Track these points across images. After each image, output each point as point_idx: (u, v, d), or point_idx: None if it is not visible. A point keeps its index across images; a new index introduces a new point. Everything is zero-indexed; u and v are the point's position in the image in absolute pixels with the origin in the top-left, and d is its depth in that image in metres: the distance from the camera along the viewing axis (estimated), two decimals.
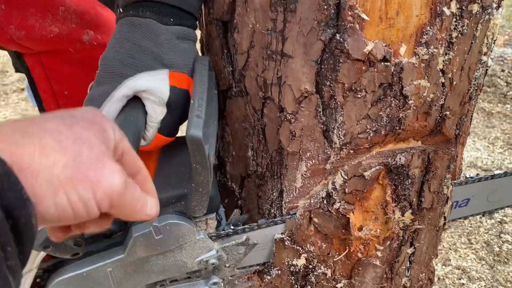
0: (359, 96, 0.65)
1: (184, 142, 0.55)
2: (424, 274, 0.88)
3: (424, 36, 0.63)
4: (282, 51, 0.66)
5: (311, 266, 0.79)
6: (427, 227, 0.81)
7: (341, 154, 0.70)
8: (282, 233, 0.76)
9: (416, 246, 0.82)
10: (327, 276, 0.80)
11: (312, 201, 0.74)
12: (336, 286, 0.81)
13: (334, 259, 0.78)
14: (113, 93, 0.62)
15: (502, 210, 1.83)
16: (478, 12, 0.64)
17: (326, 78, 0.64)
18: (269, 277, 0.81)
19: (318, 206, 0.73)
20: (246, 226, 0.71)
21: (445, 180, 0.77)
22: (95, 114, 0.44)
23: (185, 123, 0.61)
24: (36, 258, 0.59)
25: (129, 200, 0.42)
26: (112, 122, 0.44)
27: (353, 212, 0.73)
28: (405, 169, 0.72)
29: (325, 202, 0.73)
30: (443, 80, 0.67)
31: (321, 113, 0.67)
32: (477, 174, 0.85)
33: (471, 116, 0.80)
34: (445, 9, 0.62)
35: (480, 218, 1.81)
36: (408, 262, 0.84)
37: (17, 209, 0.32)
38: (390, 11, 0.61)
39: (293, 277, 0.80)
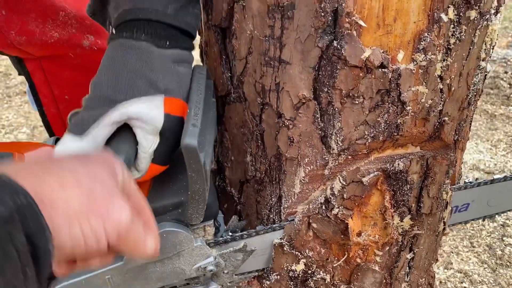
0: (357, 102, 0.65)
1: (181, 150, 0.55)
2: (424, 279, 0.88)
3: (422, 43, 0.63)
4: (280, 57, 0.66)
5: (310, 272, 0.79)
6: (426, 232, 0.81)
7: (339, 160, 0.70)
8: (281, 239, 0.76)
9: (415, 251, 0.82)
10: (326, 282, 0.80)
11: (310, 206, 0.74)
12: None
13: (333, 265, 0.78)
14: (102, 118, 0.57)
15: (505, 214, 1.83)
16: (476, 18, 0.64)
17: (323, 84, 0.65)
18: (268, 282, 0.81)
19: (317, 212, 0.74)
20: (244, 232, 0.72)
21: (444, 186, 0.77)
22: (108, 156, 0.48)
23: None
24: None
25: (134, 236, 0.45)
26: (121, 165, 0.48)
27: (351, 218, 0.73)
28: (404, 174, 0.72)
29: (323, 207, 0.73)
30: (441, 86, 0.67)
31: (319, 119, 0.67)
32: (476, 179, 0.84)
33: (470, 121, 0.80)
34: (442, 15, 0.62)
35: (482, 221, 1.80)
36: (408, 267, 0.84)
37: (37, 237, 0.35)
38: (387, 17, 0.61)
39: (292, 282, 0.80)
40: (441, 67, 0.65)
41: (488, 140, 2.41)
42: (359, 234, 0.75)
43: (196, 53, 0.76)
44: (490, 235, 1.73)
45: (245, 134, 0.78)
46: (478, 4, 0.63)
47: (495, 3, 0.66)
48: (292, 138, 0.69)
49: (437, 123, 0.71)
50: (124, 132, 0.60)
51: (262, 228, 0.73)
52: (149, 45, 0.60)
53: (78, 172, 0.42)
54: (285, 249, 0.76)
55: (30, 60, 1.03)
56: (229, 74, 0.76)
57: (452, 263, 1.59)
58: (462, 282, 1.52)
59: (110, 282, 0.64)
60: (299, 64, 0.65)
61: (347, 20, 0.60)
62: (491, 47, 0.72)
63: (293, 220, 0.74)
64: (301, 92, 0.66)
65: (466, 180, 0.84)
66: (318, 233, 0.75)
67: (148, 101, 0.59)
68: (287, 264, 0.78)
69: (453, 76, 0.67)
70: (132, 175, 0.50)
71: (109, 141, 0.59)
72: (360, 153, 0.70)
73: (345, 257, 0.78)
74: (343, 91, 0.64)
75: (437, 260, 0.93)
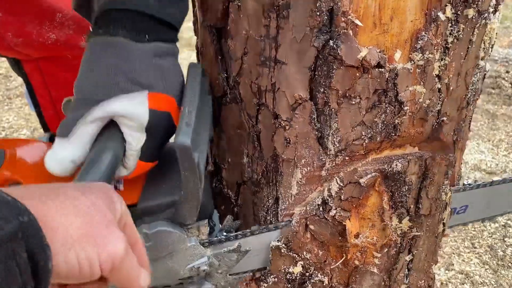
0: (354, 102, 0.64)
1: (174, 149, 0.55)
2: (423, 281, 0.87)
3: (419, 42, 0.62)
4: (276, 57, 0.65)
5: (307, 274, 0.78)
6: (425, 234, 0.80)
7: (337, 161, 0.69)
8: (278, 241, 0.75)
9: (414, 253, 0.81)
10: (324, 284, 0.79)
11: (308, 208, 0.73)
12: None
13: (331, 267, 0.78)
14: (84, 116, 0.57)
15: (507, 214, 1.81)
16: (474, 17, 0.63)
17: (320, 84, 0.64)
18: (265, 285, 0.80)
19: (314, 213, 0.73)
20: (238, 232, 0.71)
21: (443, 187, 0.76)
22: (107, 187, 0.49)
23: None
24: None
25: (127, 268, 0.46)
26: (119, 197, 0.49)
27: (349, 219, 0.73)
28: (402, 175, 0.71)
29: (321, 209, 0.72)
30: (439, 86, 0.66)
31: (316, 119, 0.67)
32: (475, 181, 0.83)
33: (470, 121, 0.79)
34: (440, 14, 0.61)
35: (484, 222, 1.79)
36: (407, 269, 0.83)
37: (38, 253, 0.36)
38: (384, 16, 0.60)
39: (289, 285, 0.79)
40: (439, 67, 0.65)
41: (490, 140, 2.40)
42: (357, 236, 0.74)
43: (193, 54, 0.75)
44: (491, 236, 1.72)
45: (242, 135, 0.77)
46: (476, 3, 0.62)
47: (494, 2, 0.66)
48: (288, 139, 0.69)
49: (436, 123, 0.70)
50: (111, 130, 0.59)
51: (257, 228, 0.72)
52: (127, 40, 0.58)
53: (79, 200, 0.43)
54: (282, 251, 0.75)
55: (27, 61, 1.03)
56: (225, 74, 0.75)
57: (453, 264, 1.58)
58: (463, 283, 1.51)
59: None
60: (295, 64, 0.64)
61: (343, 19, 0.59)
62: (490, 46, 0.71)
63: (289, 220, 0.74)
64: (297, 92, 0.65)
65: (465, 182, 0.83)
66: (316, 235, 0.74)
67: (131, 98, 0.57)
68: (285, 267, 0.77)
69: (451, 76, 0.66)
70: (128, 210, 0.49)
71: (96, 140, 0.59)
72: (357, 154, 0.69)
73: (343, 259, 0.77)
74: (340, 91, 0.63)
75: (436, 261, 0.92)
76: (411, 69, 0.63)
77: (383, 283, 0.81)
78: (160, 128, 0.61)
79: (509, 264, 1.59)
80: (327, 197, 0.71)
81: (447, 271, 1.56)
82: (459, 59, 0.66)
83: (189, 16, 0.72)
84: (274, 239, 0.74)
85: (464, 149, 0.82)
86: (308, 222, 0.74)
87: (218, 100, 0.79)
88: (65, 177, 0.59)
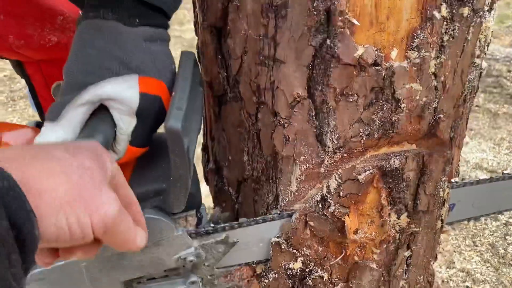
0: (351, 100, 0.65)
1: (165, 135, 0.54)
2: (422, 277, 0.88)
3: (415, 40, 0.63)
4: (274, 56, 0.66)
5: (307, 270, 0.79)
6: (423, 230, 0.81)
7: (335, 158, 0.70)
8: (278, 237, 0.76)
9: (413, 249, 0.82)
10: (324, 280, 0.80)
11: (307, 204, 0.74)
12: None
13: (331, 263, 0.79)
14: (74, 99, 0.56)
15: (508, 213, 1.82)
16: (469, 16, 0.64)
17: (317, 83, 0.65)
18: (266, 281, 0.82)
19: (314, 210, 0.74)
20: (226, 224, 0.70)
21: (441, 183, 0.77)
22: (98, 146, 0.47)
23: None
24: None
25: (122, 229, 0.44)
26: (110, 155, 0.47)
27: (348, 216, 0.74)
28: (400, 172, 0.72)
29: (320, 205, 0.73)
30: (435, 83, 0.67)
31: (314, 117, 0.68)
32: (463, 179, 0.84)
33: (467, 118, 0.80)
34: (435, 13, 0.62)
35: (485, 220, 1.79)
36: (406, 265, 0.84)
37: (21, 220, 0.34)
38: (380, 15, 0.61)
39: (290, 281, 0.81)
40: (435, 65, 0.66)
41: (491, 139, 2.40)
42: (356, 232, 0.75)
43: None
44: (493, 234, 1.73)
45: (242, 134, 0.78)
46: (471, 1, 0.63)
47: (489, 0, 0.67)
48: (287, 137, 0.70)
49: (432, 121, 0.71)
50: (101, 114, 0.58)
51: (245, 220, 0.72)
52: (117, 24, 0.58)
53: (66, 161, 0.41)
54: (282, 247, 0.77)
55: (29, 63, 1.05)
56: (225, 73, 0.76)
57: (454, 262, 1.59)
58: (464, 281, 1.51)
59: (86, 270, 0.63)
60: (293, 63, 0.65)
61: (340, 18, 0.60)
62: (486, 44, 0.72)
63: (278, 214, 0.74)
64: (295, 90, 0.66)
65: (453, 180, 0.84)
66: (315, 231, 0.75)
67: (122, 81, 0.57)
68: (285, 263, 0.79)
69: (447, 73, 0.67)
70: (120, 168, 0.48)
71: (86, 124, 0.58)
72: (355, 151, 0.70)
73: (342, 255, 0.78)
74: (337, 89, 0.64)
75: (436, 258, 0.93)
76: (407, 67, 0.64)
77: (382, 279, 0.82)
78: (150, 112, 0.60)
79: (511, 262, 1.59)
80: (326, 194, 0.72)
81: (448, 269, 1.56)
82: (455, 57, 0.67)
83: (190, 17, 0.73)
84: (267, 233, 0.75)
85: (462, 146, 0.83)
86: (307, 219, 0.75)
87: (219, 98, 0.80)
88: None
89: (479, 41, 0.69)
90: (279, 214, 0.75)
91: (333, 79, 0.64)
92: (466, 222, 1.72)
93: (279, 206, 0.77)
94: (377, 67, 0.63)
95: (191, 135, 0.59)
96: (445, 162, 0.75)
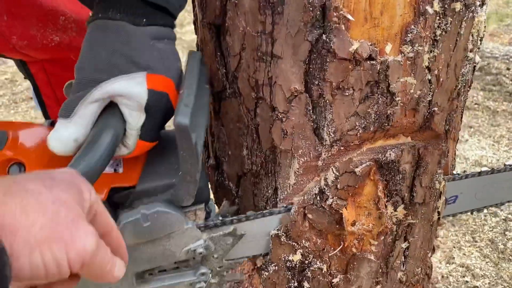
0: (347, 94, 0.67)
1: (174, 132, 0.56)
2: (420, 268, 0.90)
3: (408, 35, 0.65)
4: (272, 52, 0.68)
5: (307, 262, 0.81)
6: (420, 221, 0.82)
7: (332, 151, 0.72)
8: (277, 230, 0.78)
9: (410, 240, 0.83)
10: (323, 271, 0.81)
11: (305, 197, 0.76)
12: (332, 281, 0.82)
13: (329, 254, 0.80)
14: (86, 97, 0.59)
15: (507, 208, 1.83)
16: (461, 10, 0.66)
17: (314, 77, 0.67)
18: (267, 273, 0.83)
19: (312, 202, 0.75)
20: (234, 217, 0.73)
21: (437, 175, 0.78)
22: (74, 176, 0.46)
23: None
24: None
25: (99, 262, 0.44)
26: (88, 184, 0.47)
27: (346, 208, 0.75)
28: (396, 164, 0.73)
29: (318, 198, 0.75)
30: (429, 77, 0.69)
31: (311, 111, 0.69)
32: (464, 171, 0.86)
33: (462, 112, 0.82)
34: (428, 8, 0.64)
35: (485, 216, 1.81)
36: (403, 257, 0.85)
37: None
38: (374, 11, 0.63)
39: (289, 273, 0.82)
40: (429, 58, 0.67)
41: (491, 136, 2.41)
42: (353, 224, 0.77)
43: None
44: (492, 230, 1.74)
45: (241, 129, 0.80)
46: None
47: None
48: (285, 131, 0.72)
49: (427, 114, 0.72)
50: (111, 110, 0.61)
51: (252, 213, 0.74)
52: (125, 23, 0.61)
53: (42, 195, 0.40)
54: (282, 240, 0.78)
55: (33, 63, 1.07)
56: (224, 70, 0.78)
57: (454, 258, 1.60)
58: (464, 276, 1.53)
59: None
60: (290, 58, 0.67)
61: (335, 14, 0.62)
62: (479, 38, 0.73)
63: (284, 207, 0.76)
64: (293, 85, 0.68)
65: (454, 172, 0.85)
66: (314, 224, 0.77)
67: (130, 78, 0.60)
68: (285, 255, 0.80)
69: (440, 67, 0.69)
70: (98, 197, 0.48)
71: (97, 120, 0.60)
72: (352, 144, 0.71)
73: (340, 247, 0.79)
74: (333, 84, 0.66)
75: (434, 250, 0.94)
76: (401, 61, 0.66)
77: (380, 270, 0.83)
78: (158, 108, 0.63)
79: (510, 257, 1.60)
80: (324, 187, 0.74)
81: (448, 265, 1.57)
82: (448, 51, 0.69)
83: (191, 19, 0.74)
84: (272, 227, 0.76)
85: (457, 139, 0.85)
86: (306, 211, 0.76)
87: (218, 95, 0.82)
88: (67, 156, 0.60)
89: (472, 36, 0.71)
90: (285, 207, 0.76)
91: (329, 73, 0.65)
92: (465, 217, 1.73)
93: (278, 199, 0.78)
94: (372, 62, 0.65)
95: (199, 131, 0.61)
96: (441, 155, 0.77)
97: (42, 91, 1.08)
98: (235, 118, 0.80)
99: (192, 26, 0.85)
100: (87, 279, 0.45)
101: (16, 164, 0.63)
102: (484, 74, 3.02)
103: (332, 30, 0.63)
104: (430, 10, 0.64)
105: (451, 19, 0.66)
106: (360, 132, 0.70)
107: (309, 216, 0.76)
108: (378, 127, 0.70)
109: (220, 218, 0.73)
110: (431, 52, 0.67)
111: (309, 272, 0.81)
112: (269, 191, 0.80)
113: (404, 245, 0.83)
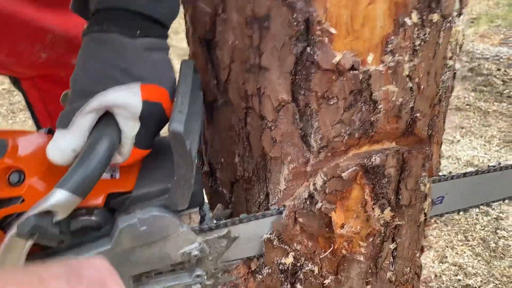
0: (332, 103, 0.70)
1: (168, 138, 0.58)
2: (409, 268, 0.93)
3: (389, 45, 0.68)
4: (260, 64, 0.71)
5: (299, 264, 0.84)
6: (407, 223, 0.85)
7: (320, 157, 0.75)
8: (270, 233, 0.81)
9: (398, 241, 0.86)
10: (315, 273, 0.84)
11: (296, 202, 0.79)
12: (324, 282, 0.85)
13: (321, 257, 0.83)
14: (82, 107, 0.61)
15: (499, 207, 1.87)
16: (438, 21, 0.69)
17: (300, 88, 0.70)
18: (260, 276, 0.86)
19: (302, 207, 0.78)
20: (228, 220, 0.75)
21: (421, 178, 0.81)
22: (103, 273, 0.44)
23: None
24: (24, 247, 0.59)
25: None
26: (117, 277, 0.45)
27: (334, 211, 0.78)
28: (381, 169, 0.77)
29: (308, 202, 0.78)
30: (410, 85, 0.72)
31: (298, 120, 0.72)
32: (450, 172, 0.89)
33: (444, 116, 0.85)
34: (407, 19, 0.67)
35: (477, 215, 1.84)
36: (392, 257, 0.88)
37: None
38: (355, 24, 0.66)
39: (282, 275, 0.85)
40: (409, 67, 0.71)
41: (482, 136, 2.45)
42: (342, 227, 0.80)
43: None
44: (484, 229, 1.77)
45: (233, 137, 0.83)
46: (440, 8, 0.68)
47: (458, 6, 0.72)
48: (274, 139, 0.75)
49: (410, 120, 0.75)
50: (107, 120, 0.63)
51: (245, 216, 0.76)
52: (119, 36, 0.63)
53: None
54: (274, 243, 0.81)
55: (25, 79, 1.08)
56: (216, 81, 0.81)
57: (446, 257, 1.63)
58: (456, 275, 1.56)
59: None
60: (277, 70, 0.70)
61: (318, 28, 0.65)
62: (458, 46, 0.77)
63: (275, 209, 0.79)
64: (280, 95, 0.71)
65: (440, 174, 0.88)
66: (305, 227, 0.80)
67: (125, 89, 0.62)
68: (277, 258, 0.83)
69: (421, 75, 0.72)
70: None
71: (93, 129, 0.63)
72: (338, 150, 0.75)
73: (331, 249, 0.82)
74: (319, 93, 0.69)
75: (422, 250, 0.97)
76: (383, 70, 0.69)
77: (370, 271, 0.86)
78: (152, 117, 0.65)
79: (501, 255, 1.64)
80: (313, 191, 0.77)
81: (441, 264, 1.61)
82: (427, 60, 0.72)
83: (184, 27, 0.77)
84: (265, 229, 0.79)
85: (441, 142, 0.88)
86: (297, 215, 0.79)
87: (211, 105, 0.85)
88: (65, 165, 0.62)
89: (450, 44, 0.74)
90: (277, 209, 0.79)
91: (314, 84, 0.69)
92: (457, 217, 1.77)
93: (270, 204, 0.81)
94: (354, 72, 0.68)
95: (193, 137, 0.63)
96: (424, 158, 0.80)
97: (34, 107, 1.10)
98: (227, 127, 0.84)
99: (183, 34, 0.88)
100: None
101: (16, 171, 0.65)
102: (475, 75, 3.07)
103: (316, 43, 0.66)
104: (409, 22, 0.67)
105: (429, 30, 0.69)
106: (346, 138, 0.73)
107: (300, 220, 0.79)
108: (362, 133, 0.73)
109: (215, 221, 0.75)
110: (411, 61, 0.70)
111: (301, 274, 0.84)
112: (261, 197, 0.83)
113: (392, 246, 0.86)
